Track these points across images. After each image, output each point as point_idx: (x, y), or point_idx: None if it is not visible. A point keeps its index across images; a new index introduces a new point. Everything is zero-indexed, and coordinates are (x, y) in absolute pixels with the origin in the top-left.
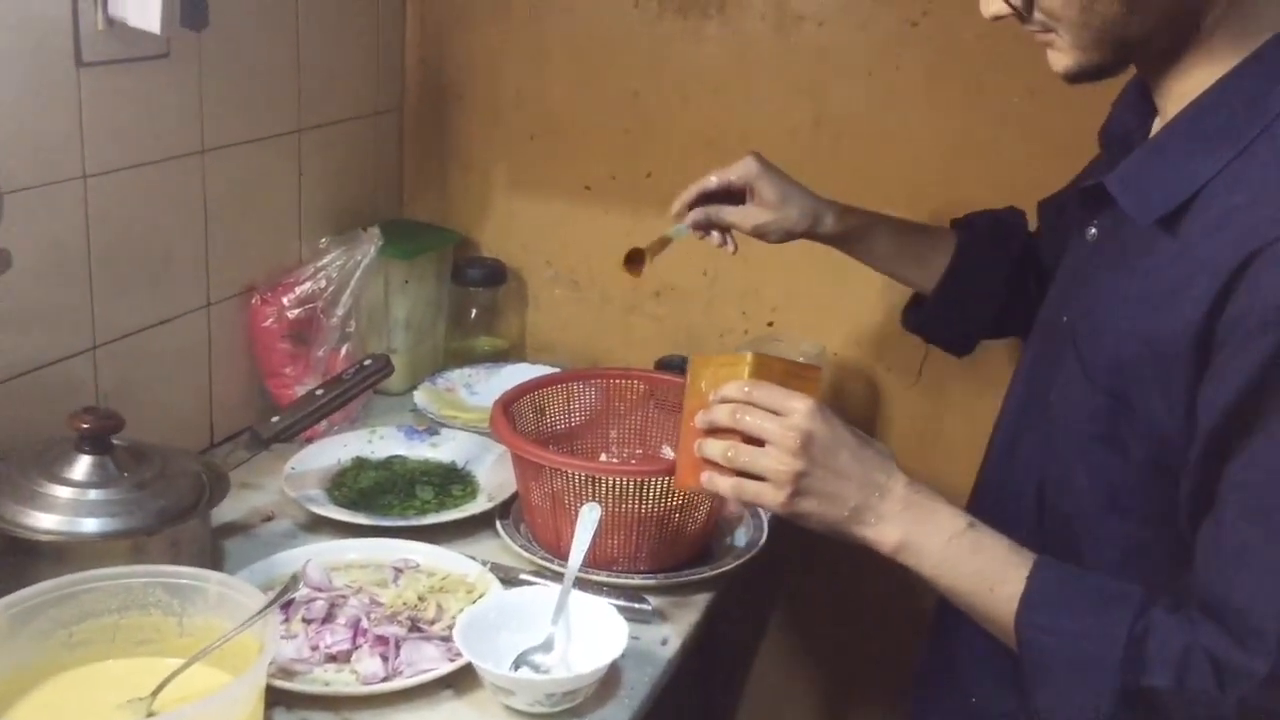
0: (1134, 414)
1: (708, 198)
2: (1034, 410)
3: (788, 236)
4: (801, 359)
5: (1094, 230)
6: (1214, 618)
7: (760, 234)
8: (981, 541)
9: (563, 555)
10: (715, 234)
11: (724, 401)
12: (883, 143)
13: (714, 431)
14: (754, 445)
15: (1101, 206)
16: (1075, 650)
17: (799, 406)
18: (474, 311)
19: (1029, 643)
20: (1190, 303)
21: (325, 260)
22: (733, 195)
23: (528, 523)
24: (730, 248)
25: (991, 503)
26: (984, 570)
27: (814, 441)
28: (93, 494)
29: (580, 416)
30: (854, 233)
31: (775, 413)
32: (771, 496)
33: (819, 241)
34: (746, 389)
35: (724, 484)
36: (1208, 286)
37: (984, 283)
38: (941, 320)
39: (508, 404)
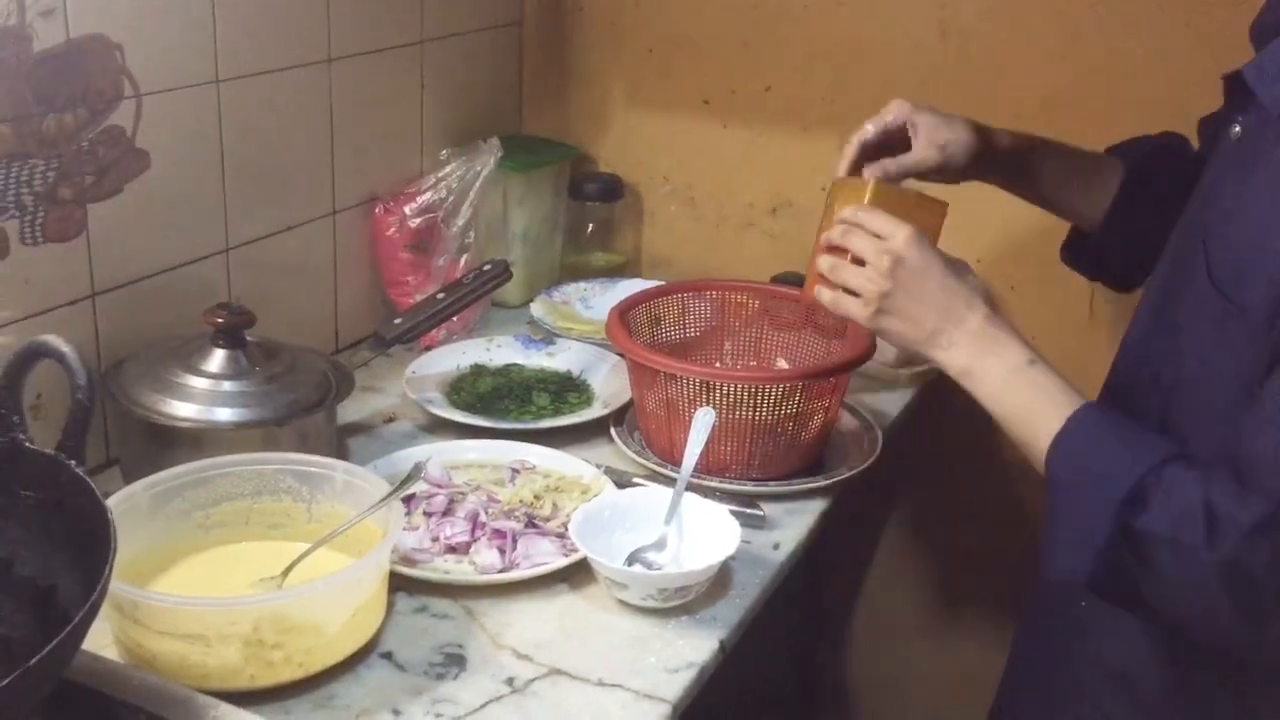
0: (1246, 321)
1: (870, 152)
2: (1165, 314)
3: (966, 167)
4: None
5: (1237, 128)
6: (1231, 466)
7: (940, 170)
8: (1036, 379)
9: (676, 461)
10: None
11: (841, 222)
12: (1013, 56)
13: (832, 249)
14: (856, 264)
15: (1245, 101)
16: (1085, 487)
17: (898, 233)
18: (590, 226)
19: (1051, 478)
20: None
21: (445, 171)
22: (893, 146)
23: (642, 429)
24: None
25: (1117, 406)
26: (1032, 405)
27: (904, 266)
28: (227, 385)
29: (696, 329)
30: (1023, 155)
31: (878, 236)
32: (859, 310)
33: (987, 178)
34: (860, 213)
35: (826, 295)
36: None
37: (1155, 212)
38: (1110, 254)
39: (624, 311)
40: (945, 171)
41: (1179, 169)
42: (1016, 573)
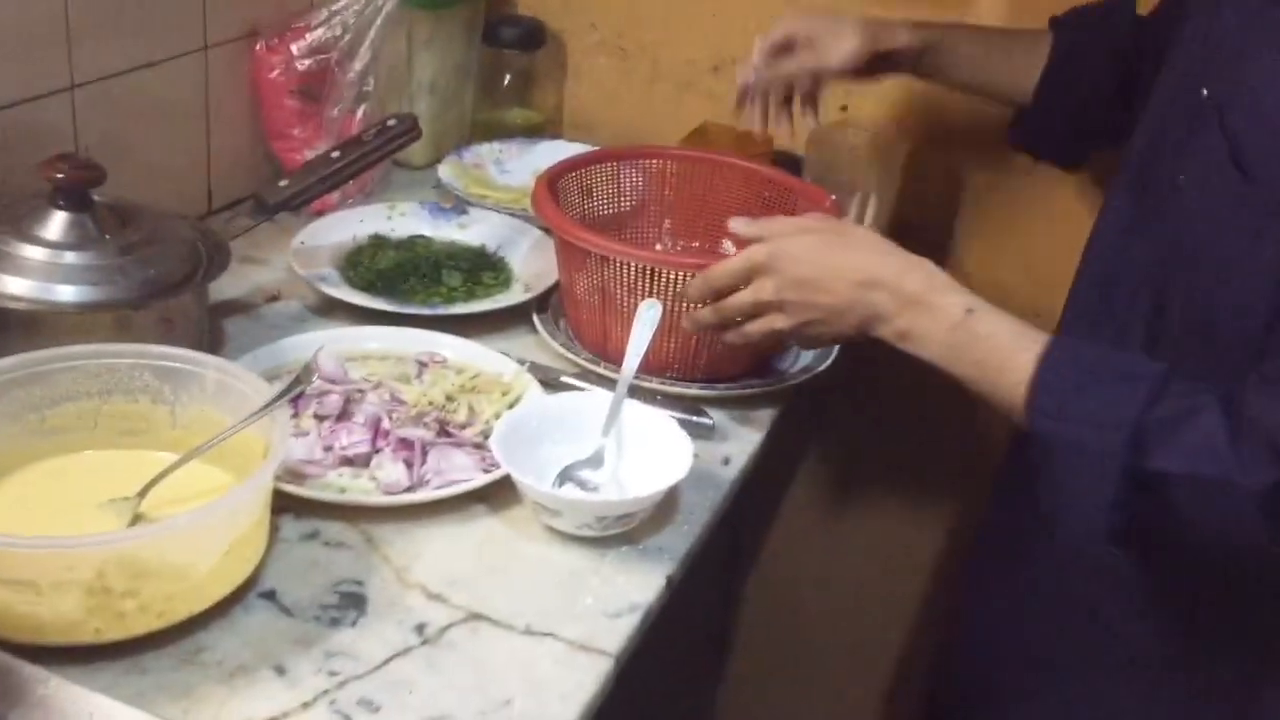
0: None
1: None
2: (1150, 206)
3: (865, 67)
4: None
5: None
6: (1258, 350)
7: (836, 74)
8: (980, 328)
9: (609, 358)
10: (796, 105)
11: (700, 300)
12: None
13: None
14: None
15: None
16: (1078, 440)
17: (748, 268)
18: (507, 78)
19: (1037, 431)
20: None
21: (340, 4)
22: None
23: (570, 318)
24: (812, 121)
25: (1088, 330)
26: (987, 359)
27: (784, 292)
28: (69, 256)
29: (629, 201)
30: (933, 43)
31: (737, 285)
32: (785, 342)
33: (899, 71)
34: (704, 283)
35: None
36: None
37: (1088, 79)
38: (1046, 130)
39: (553, 180)
40: (844, 77)
41: (1116, 31)
42: (969, 506)
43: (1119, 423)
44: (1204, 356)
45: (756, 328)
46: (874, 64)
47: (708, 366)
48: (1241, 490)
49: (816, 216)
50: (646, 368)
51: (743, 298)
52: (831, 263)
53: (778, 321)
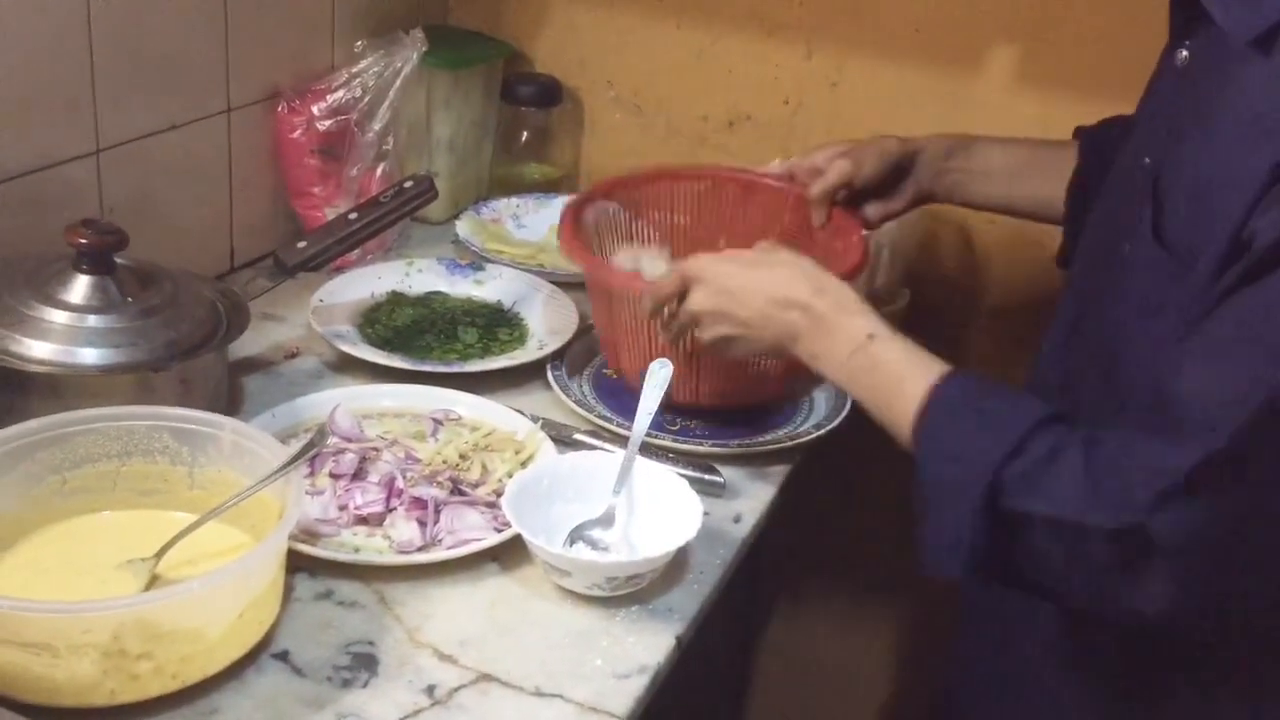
0: (1195, 276)
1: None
2: (1100, 276)
3: (893, 176)
4: None
5: (1184, 53)
6: (1146, 413)
7: (866, 180)
8: (879, 355)
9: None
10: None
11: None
12: None
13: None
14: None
15: (1194, 22)
16: (948, 471)
17: (688, 280)
18: (524, 135)
19: (915, 460)
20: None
21: (361, 66)
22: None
23: (611, 357)
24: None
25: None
26: (880, 384)
27: (709, 304)
28: (91, 320)
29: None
30: (960, 146)
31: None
32: (714, 354)
33: (932, 191)
34: (643, 300)
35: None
36: None
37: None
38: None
39: (579, 210)
40: (874, 184)
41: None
42: None
43: (983, 457)
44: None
45: (691, 336)
46: (902, 174)
47: (710, 394)
48: (1091, 530)
49: (761, 245)
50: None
51: (677, 308)
52: (751, 278)
53: (703, 332)
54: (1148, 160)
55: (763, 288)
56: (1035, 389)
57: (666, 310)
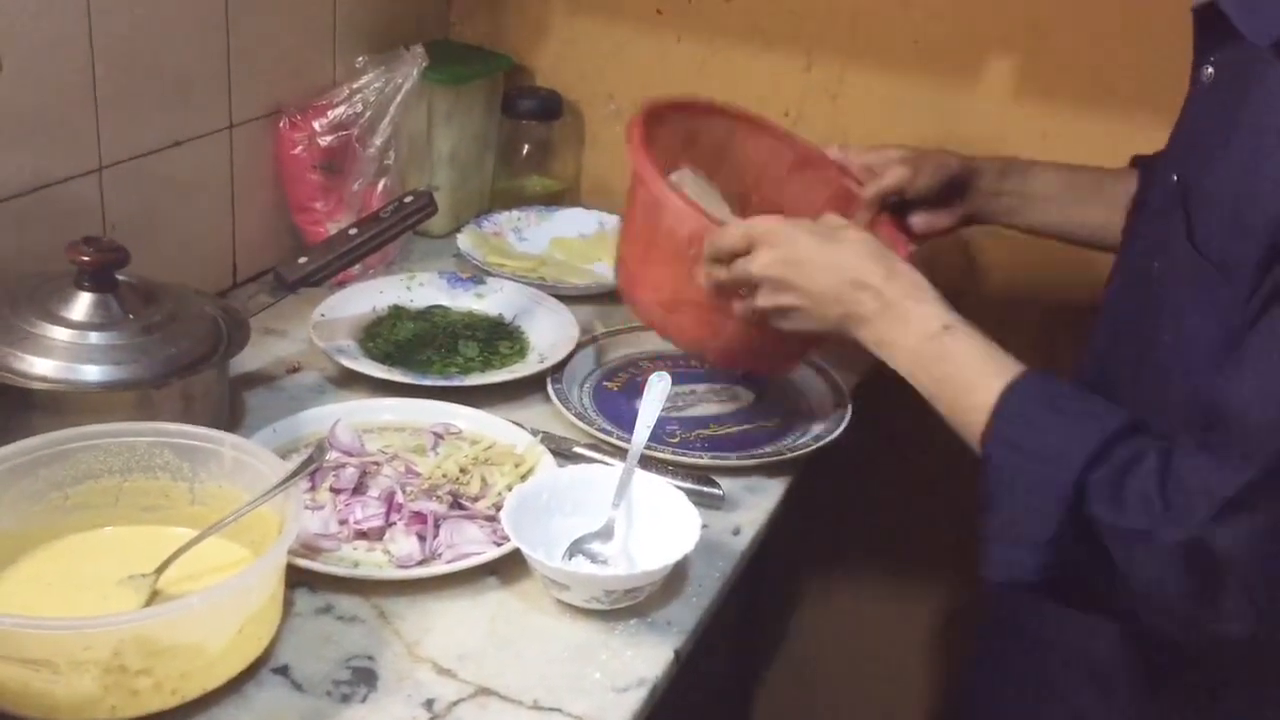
0: (1231, 284)
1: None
2: (1136, 293)
3: (947, 192)
4: None
5: (1210, 69)
6: (1194, 427)
7: (921, 191)
8: (952, 347)
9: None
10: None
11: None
12: None
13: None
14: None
15: (1219, 38)
16: (1026, 473)
17: (756, 240)
18: (526, 148)
19: (990, 457)
20: None
21: (362, 82)
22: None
23: (628, 285)
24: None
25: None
26: (952, 376)
27: (776, 270)
28: (93, 337)
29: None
30: (1015, 168)
31: (730, 258)
32: (763, 320)
33: (987, 209)
34: (710, 246)
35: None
36: None
37: None
38: None
39: (653, 120)
40: (927, 196)
41: None
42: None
43: (1065, 462)
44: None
45: (742, 304)
46: (956, 190)
47: (722, 354)
48: (1158, 543)
49: (828, 218)
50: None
51: (737, 265)
52: (825, 252)
53: (761, 298)
54: (1175, 177)
55: (836, 263)
56: None
57: (721, 263)
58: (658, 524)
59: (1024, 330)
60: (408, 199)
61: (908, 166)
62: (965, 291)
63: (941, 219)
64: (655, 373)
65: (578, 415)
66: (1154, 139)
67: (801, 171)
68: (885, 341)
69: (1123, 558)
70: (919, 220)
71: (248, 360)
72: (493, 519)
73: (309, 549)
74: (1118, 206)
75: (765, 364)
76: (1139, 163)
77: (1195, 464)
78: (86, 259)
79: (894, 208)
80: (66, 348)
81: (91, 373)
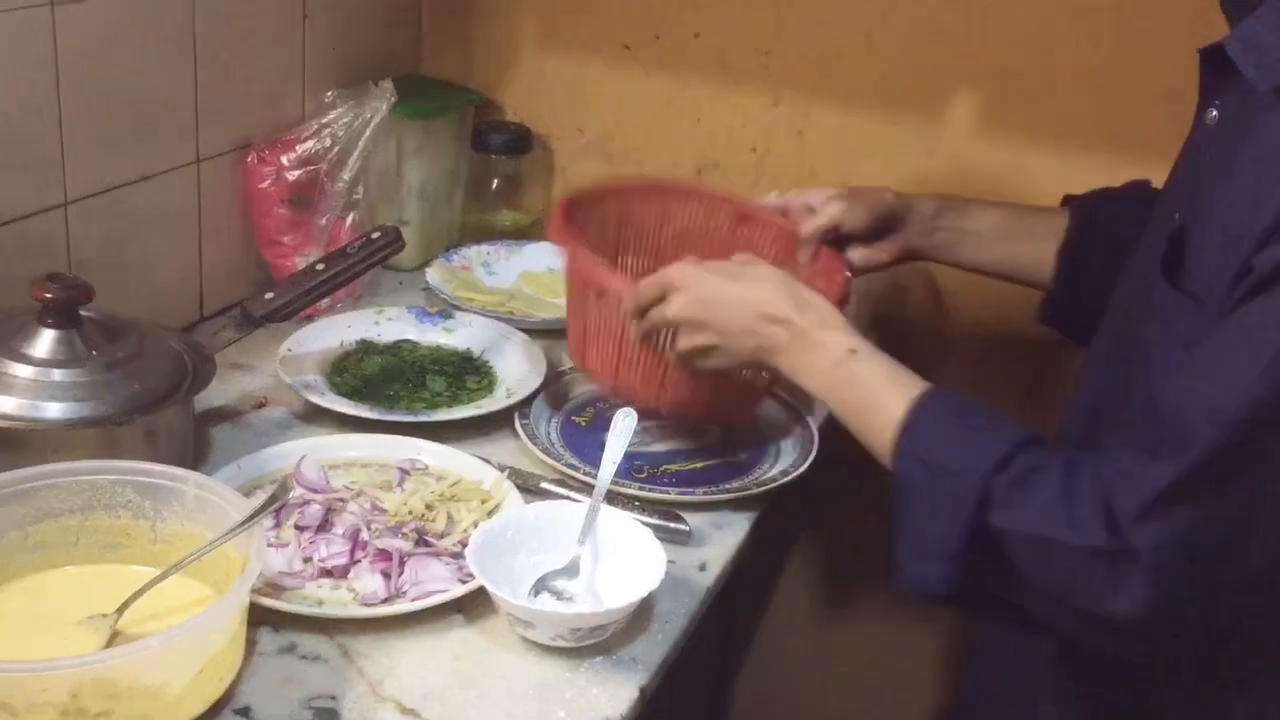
0: (1203, 313)
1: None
2: (1131, 323)
3: (882, 227)
4: None
5: (1214, 112)
6: (1129, 433)
7: (854, 228)
8: (859, 370)
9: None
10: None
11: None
12: (974, 4)
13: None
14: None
15: (1223, 81)
16: (931, 486)
17: (669, 285)
18: (495, 182)
19: (898, 473)
20: None
21: (331, 116)
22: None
23: (578, 354)
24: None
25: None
26: (861, 398)
27: (690, 312)
28: (56, 374)
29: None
30: (952, 205)
31: (645, 312)
32: (688, 363)
33: (920, 246)
34: (630, 300)
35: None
36: None
37: (1109, 257)
38: (1071, 310)
39: (573, 206)
40: (863, 231)
41: (1137, 209)
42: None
43: (969, 474)
44: None
45: (666, 341)
46: (892, 226)
47: (674, 402)
48: (1064, 547)
49: (739, 257)
50: (619, 393)
51: (653, 313)
52: (734, 290)
53: (681, 340)
54: (1177, 215)
55: (745, 300)
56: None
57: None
58: (624, 560)
59: (990, 359)
60: (375, 235)
61: (842, 203)
62: (929, 320)
63: (879, 254)
64: (622, 409)
65: (545, 451)
66: (1115, 176)
67: (744, 225)
68: (798, 370)
69: (1027, 566)
70: (856, 255)
71: (213, 395)
72: (459, 556)
73: (273, 587)
74: (1047, 244)
75: (719, 413)
76: (1070, 201)
77: (1115, 468)
78: (50, 296)
79: (833, 243)
80: (29, 385)
81: (54, 410)
